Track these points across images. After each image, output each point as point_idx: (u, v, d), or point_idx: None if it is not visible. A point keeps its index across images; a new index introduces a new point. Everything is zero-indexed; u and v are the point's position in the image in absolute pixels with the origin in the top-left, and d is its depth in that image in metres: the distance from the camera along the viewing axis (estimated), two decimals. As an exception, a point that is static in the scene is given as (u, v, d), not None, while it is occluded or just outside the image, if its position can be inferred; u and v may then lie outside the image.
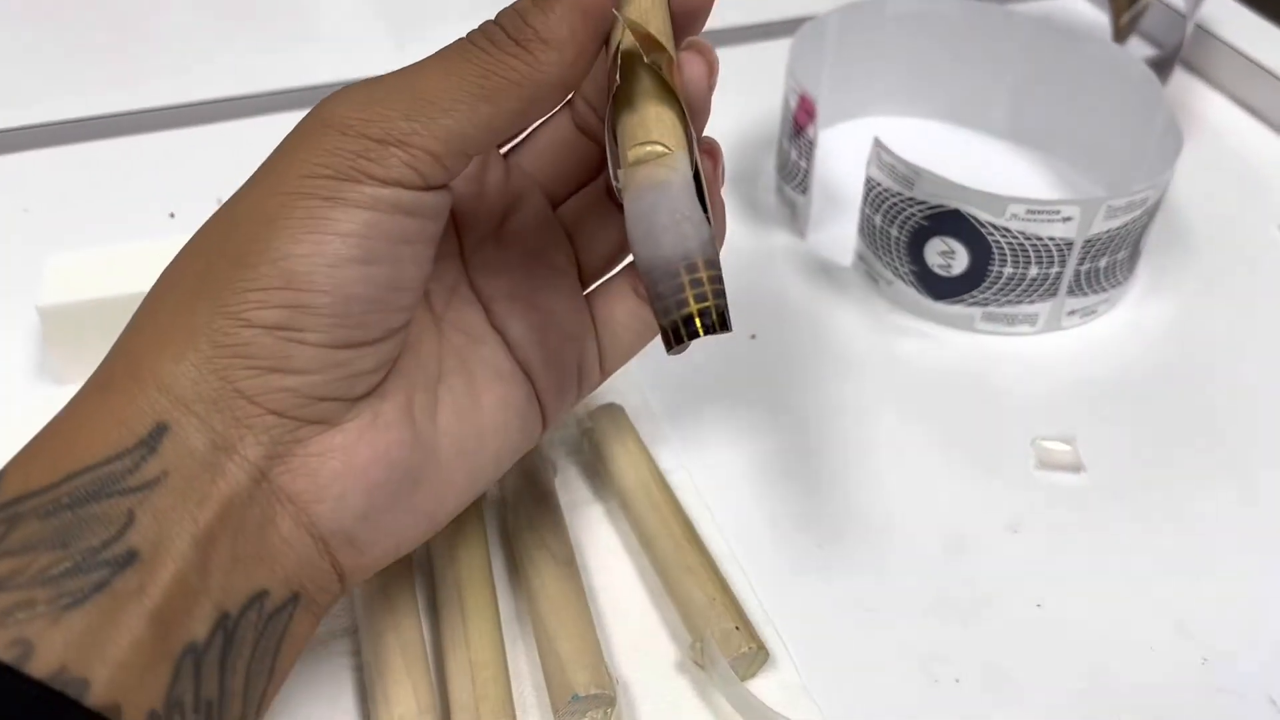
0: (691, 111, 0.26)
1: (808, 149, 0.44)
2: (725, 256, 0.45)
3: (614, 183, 0.26)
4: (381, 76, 0.25)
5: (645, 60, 0.25)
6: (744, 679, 0.31)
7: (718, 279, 0.24)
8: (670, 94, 0.25)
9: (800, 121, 0.45)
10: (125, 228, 0.44)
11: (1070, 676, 0.32)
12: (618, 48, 0.25)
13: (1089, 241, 0.40)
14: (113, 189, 0.48)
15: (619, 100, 0.25)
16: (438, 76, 0.25)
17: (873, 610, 0.34)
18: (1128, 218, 0.40)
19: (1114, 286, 0.43)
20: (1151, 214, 0.42)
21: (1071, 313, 0.43)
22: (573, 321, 0.30)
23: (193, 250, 0.25)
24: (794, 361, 0.42)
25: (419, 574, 0.33)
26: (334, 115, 0.24)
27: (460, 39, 0.25)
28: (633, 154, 0.24)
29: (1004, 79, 0.51)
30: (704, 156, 0.28)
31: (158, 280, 0.25)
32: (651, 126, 0.25)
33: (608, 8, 0.25)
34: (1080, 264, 0.41)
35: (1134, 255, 0.43)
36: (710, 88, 0.27)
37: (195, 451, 0.23)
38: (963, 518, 0.36)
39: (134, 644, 0.21)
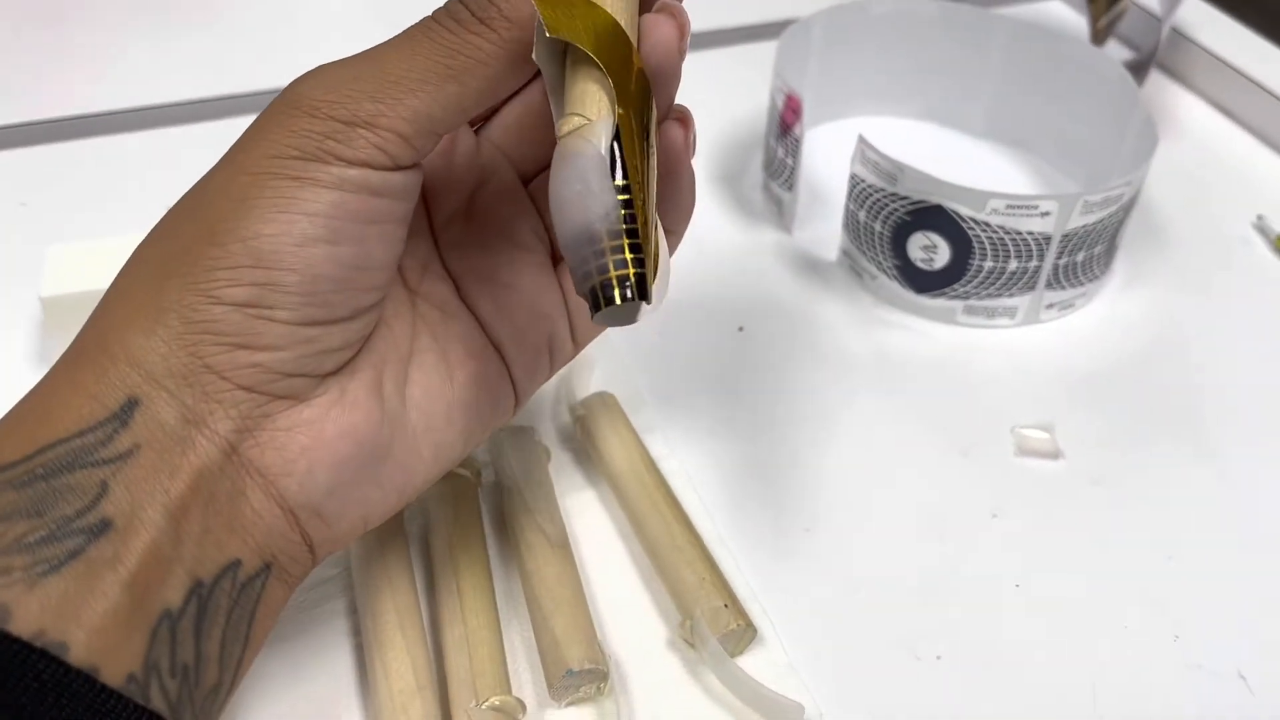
0: (660, 76, 0.26)
1: (794, 147, 0.46)
2: (714, 252, 0.47)
3: None
4: (349, 58, 0.26)
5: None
6: (732, 656, 0.32)
7: (622, 249, 0.23)
8: (596, 64, 0.24)
9: (787, 120, 0.46)
10: (123, 223, 0.45)
11: (1046, 653, 0.33)
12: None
13: (1066, 236, 0.41)
14: (110, 185, 0.49)
15: (569, 68, 0.25)
16: (403, 57, 0.25)
17: (857, 590, 0.35)
18: (1104, 213, 0.41)
19: (1091, 280, 0.44)
20: (1127, 210, 0.43)
21: (1050, 306, 0.44)
22: (543, 298, 0.31)
23: (163, 229, 0.26)
24: (781, 353, 0.43)
25: (417, 555, 0.34)
26: (302, 97, 0.25)
27: (425, 18, 0.26)
28: (564, 126, 0.24)
29: (985, 79, 0.52)
30: (675, 124, 0.28)
31: (127, 261, 0.26)
32: (577, 98, 0.24)
33: None
34: (1058, 258, 0.42)
35: (1110, 250, 0.44)
36: (681, 51, 0.27)
37: (166, 425, 0.24)
38: (945, 502, 0.37)
39: (110, 609, 0.22)
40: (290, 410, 0.25)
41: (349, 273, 0.25)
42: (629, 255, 0.23)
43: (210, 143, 0.27)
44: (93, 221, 0.46)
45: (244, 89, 0.53)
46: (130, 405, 0.23)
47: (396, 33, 0.26)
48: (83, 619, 0.21)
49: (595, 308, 0.23)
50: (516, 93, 0.32)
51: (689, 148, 0.29)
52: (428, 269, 0.30)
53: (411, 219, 0.27)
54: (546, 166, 0.32)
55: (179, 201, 0.26)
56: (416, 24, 0.26)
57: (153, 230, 0.26)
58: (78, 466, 0.23)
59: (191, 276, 0.24)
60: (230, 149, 0.26)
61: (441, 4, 0.26)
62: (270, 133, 0.25)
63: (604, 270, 0.23)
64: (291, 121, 0.25)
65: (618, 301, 0.23)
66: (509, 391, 0.31)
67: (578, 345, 0.32)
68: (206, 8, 0.60)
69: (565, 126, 0.24)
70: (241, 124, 0.26)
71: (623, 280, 0.23)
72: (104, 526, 0.22)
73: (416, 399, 0.28)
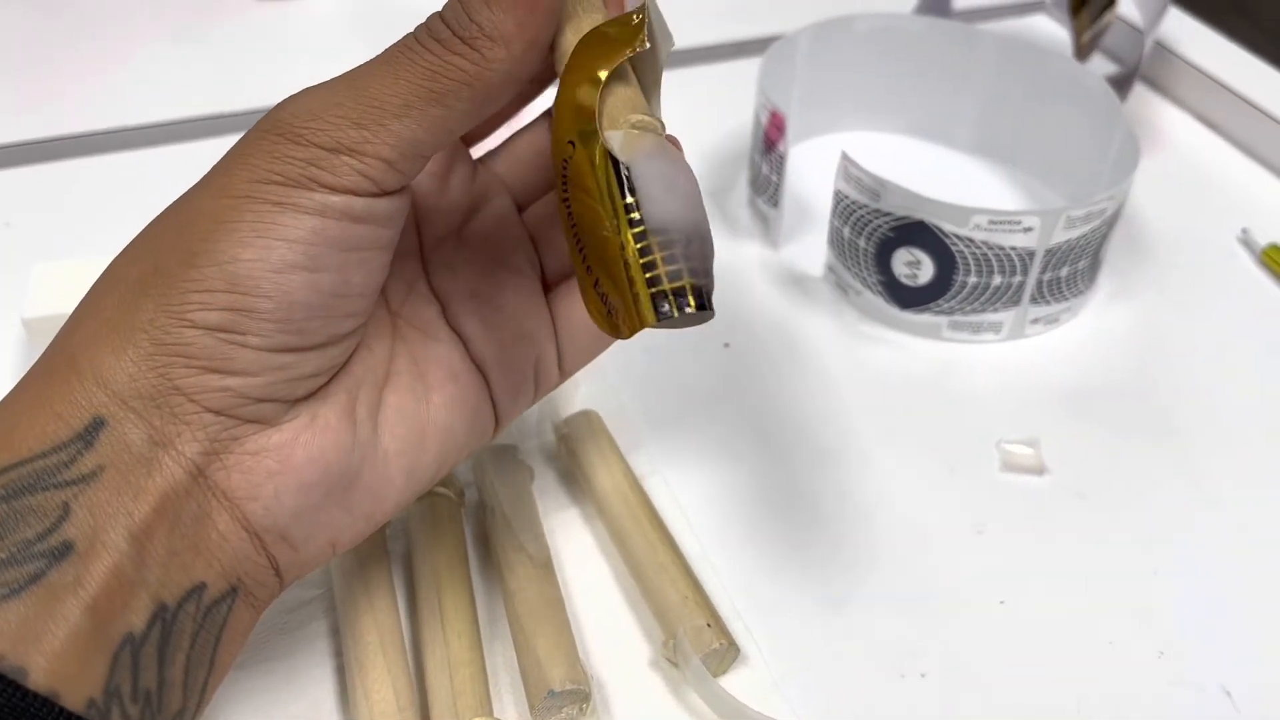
0: None
1: (778, 164, 0.46)
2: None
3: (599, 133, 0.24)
4: (331, 81, 0.25)
5: (647, 44, 0.24)
6: (716, 675, 0.32)
7: (712, 256, 0.23)
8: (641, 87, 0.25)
9: (771, 137, 0.46)
10: (108, 244, 0.45)
11: (1032, 670, 0.33)
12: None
13: (1050, 251, 0.41)
14: (96, 205, 0.49)
15: (616, 74, 0.25)
16: (386, 80, 0.24)
17: (842, 608, 0.34)
18: (1087, 228, 0.41)
19: (1076, 295, 0.44)
20: (1110, 224, 0.43)
21: (1035, 320, 0.44)
22: (531, 322, 0.31)
23: (137, 248, 0.26)
24: (766, 369, 0.43)
25: (399, 575, 0.34)
26: (285, 123, 0.25)
27: (406, 37, 0.25)
28: (636, 119, 0.24)
29: (970, 95, 0.52)
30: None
31: (100, 277, 0.26)
32: (642, 106, 0.24)
33: (555, 1, 0.25)
34: (1042, 273, 0.42)
35: (1095, 265, 0.44)
36: None
37: (132, 446, 0.23)
38: (930, 519, 0.37)
39: (71, 634, 0.22)
40: (259, 434, 0.25)
41: (327, 300, 0.25)
42: (706, 264, 0.23)
43: (198, 163, 0.26)
44: (78, 242, 0.46)
45: (232, 109, 0.53)
46: (96, 425, 0.23)
47: (381, 50, 0.26)
48: (43, 644, 0.21)
49: (679, 308, 0.22)
50: (527, 126, 0.32)
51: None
52: (413, 289, 0.30)
53: (400, 241, 0.27)
54: (542, 196, 0.32)
55: (156, 220, 0.26)
56: (397, 44, 0.25)
57: (128, 247, 0.26)
58: (40, 488, 0.22)
59: (166, 298, 0.24)
60: (211, 171, 0.26)
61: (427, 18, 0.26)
62: (253, 157, 0.25)
63: (697, 273, 0.23)
64: (274, 147, 0.25)
65: (690, 308, 0.22)
66: (488, 414, 0.30)
67: (564, 373, 0.32)
68: (192, 29, 0.61)
69: (641, 121, 0.24)
70: (229, 144, 0.26)
71: (697, 289, 0.23)
72: (65, 550, 0.22)
73: (390, 423, 0.28)
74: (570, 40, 0.26)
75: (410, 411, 0.28)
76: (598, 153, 0.24)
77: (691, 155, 0.52)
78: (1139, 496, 0.38)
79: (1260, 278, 0.48)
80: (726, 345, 0.44)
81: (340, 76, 0.25)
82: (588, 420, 0.38)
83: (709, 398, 0.41)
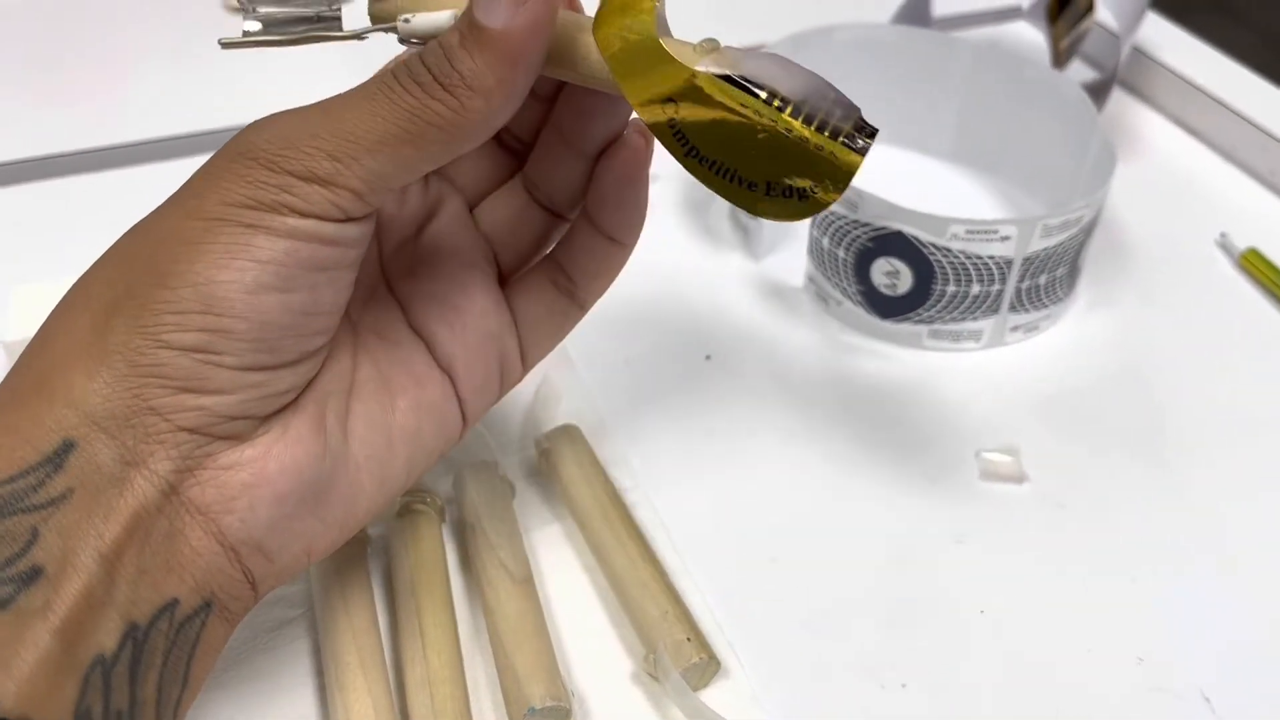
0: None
1: (758, 174, 0.46)
2: (681, 280, 0.47)
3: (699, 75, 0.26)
4: (304, 109, 0.26)
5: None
6: (696, 689, 0.32)
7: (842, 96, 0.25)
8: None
9: (750, 148, 0.46)
10: (86, 265, 0.45)
11: (1011, 679, 0.33)
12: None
13: (1028, 259, 0.41)
14: (73, 226, 0.49)
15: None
16: (362, 115, 0.25)
17: (823, 620, 0.35)
18: (1064, 236, 0.42)
19: (1055, 302, 0.45)
20: (1088, 232, 0.43)
21: (1015, 328, 0.44)
22: (492, 319, 0.31)
23: (106, 269, 0.26)
24: (748, 381, 0.43)
25: (380, 593, 0.34)
26: (257, 147, 0.25)
27: (385, 73, 0.25)
28: (701, 44, 0.25)
29: (948, 103, 0.53)
30: (637, 135, 0.30)
31: (67, 296, 0.26)
32: (684, 43, 0.26)
33: (540, 52, 0.25)
34: (1020, 281, 0.42)
35: (1073, 272, 0.45)
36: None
37: (102, 467, 0.24)
38: (910, 529, 0.37)
39: (40, 659, 0.22)
40: (232, 449, 0.26)
41: (299, 319, 0.25)
42: (849, 100, 0.25)
43: (179, 181, 0.27)
44: (57, 263, 0.46)
45: (214, 126, 0.53)
46: (65, 448, 0.23)
47: (355, 78, 0.26)
48: (12, 670, 0.21)
49: (868, 135, 0.25)
50: None
51: (649, 160, 0.30)
52: (373, 295, 0.30)
53: (360, 264, 0.27)
54: (491, 191, 0.32)
55: (123, 240, 0.26)
56: (376, 79, 0.25)
57: (94, 267, 0.26)
58: (8, 513, 0.23)
59: (140, 319, 0.24)
60: (179, 193, 0.26)
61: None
62: (224, 180, 0.25)
63: (850, 110, 0.25)
64: (247, 171, 0.25)
65: (872, 136, 0.25)
66: (455, 414, 0.31)
67: (527, 366, 0.32)
68: (176, 47, 0.61)
69: (701, 47, 0.25)
70: (168, 167, 0.26)
71: (859, 113, 0.25)
72: (34, 574, 0.22)
73: (359, 431, 0.28)
74: (588, 43, 0.26)
75: (378, 418, 0.29)
76: (711, 84, 0.25)
77: (671, 167, 0.53)
78: (1118, 504, 0.39)
79: (1239, 282, 0.48)
80: (708, 357, 0.44)
81: (315, 105, 0.26)
82: (569, 435, 0.38)
83: (691, 410, 0.41)
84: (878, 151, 0.54)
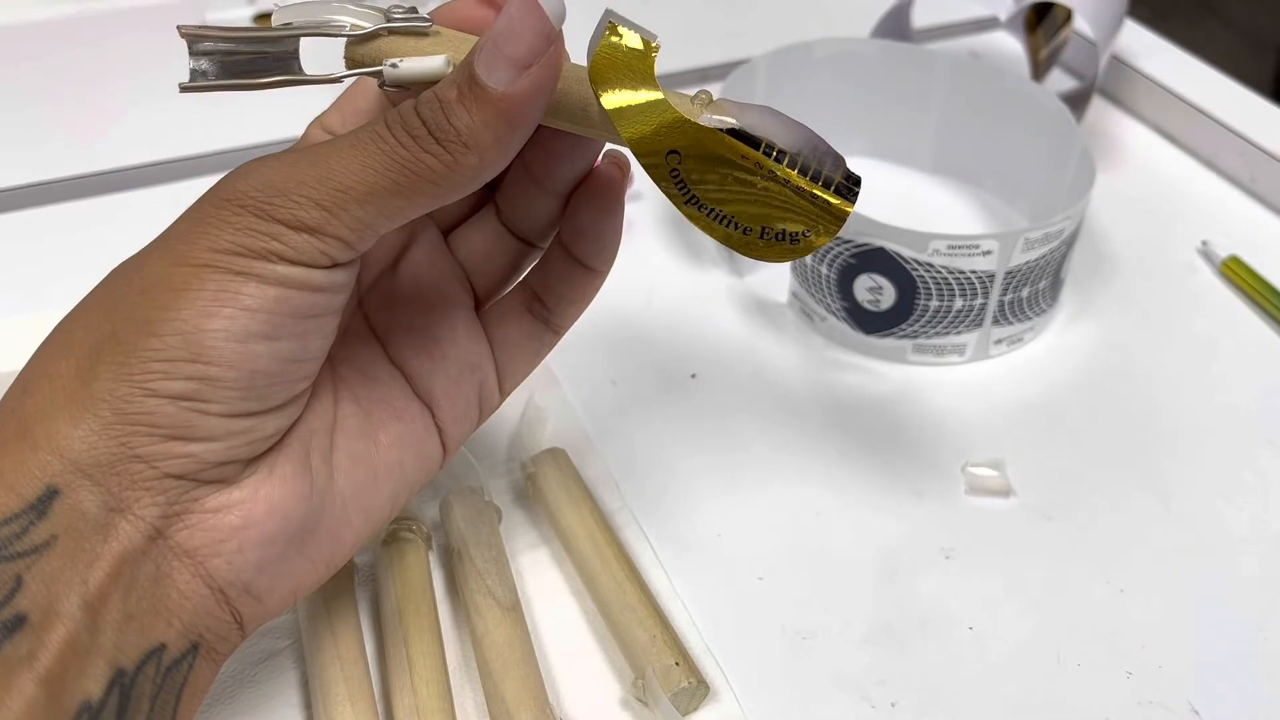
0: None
1: (740, 192, 0.46)
2: (666, 298, 0.47)
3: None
4: (292, 154, 0.25)
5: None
6: (686, 713, 0.32)
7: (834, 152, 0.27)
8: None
9: (732, 165, 0.46)
10: (62, 299, 0.45)
11: (1001, 694, 0.33)
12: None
13: (1010, 273, 0.42)
14: (47, 259, 0.48)
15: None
16: (354, 166, 0.25)
17: (811, 639, 0.35)
18: (1045, 249, 0.42)
19: (1038, 314, 0.45)
20: (1069, 244, 0.44)
21: (998, 341, 0.44)
22: (470, 350, 0.31)
23: (90, 313, 0.25)
24: (734, 398, 0.43)
25: (367, 621, 0.34)
26: (244, 194, 0.25)
27: (378, 123, 0.25)
28: (698, 96, 0.27)
29: (929, 116, 0.53)
30: (613, 166, 0.30)
31: (48, 340, 0.26)
32: (681, 95, 0.27)
33: (537, 116, 0.25)
34: (1003, 295, 0.42)
35: (1055, 284, 0.45)
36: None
37: (87, 514, 0.24)
38: (897, 545, 0.38)
39: (26, 708, 0.22)
40: (220, 492, 0.25)
41: (286, 366, 0.25)
42: (835, 151, 0.27)
43: (157, 210, 0.26)
44: (32, 296, 0.46)
45: (195, 151, 0.53)
46: (50, 495, 0.23)
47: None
48: None
49: (857, 185, 0.27)
50: None
51: (624, 191, 0.30)
52: (349, 331, 0.30)
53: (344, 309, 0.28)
54: (465, 220, 0.32)
55: (106, 283, 0.26)
56: (369, 129, 0.25)
57: (77, 310, 0.26)
58: None
59: (126, 366, 0.24)
60: (165, 237, 0.26)
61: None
62: (213, 226, 0.25)
63: (840, 163, 0.27)
64: (235, 218, 0.25)
65: (859, 182, 0.27)
66: (436, 445, 0.31)
67: (504, 393, 0.32)
68: (145, 75, 0.61)
69: (698, 103, 0.27)
70: (191, 186, 0.26)
71: (846, 167, 0.27)
72: (18, 623, 0.22)
73: (344, 467, 0.28)
74: (586, 95, 0.27)
75: (361, 453, 0.29)
76: (714, 138, 0.26)
77: (654, 184, 0.53)
78: (1105, 515, 0.39)
79: (1221, 290, 0.49)
80: (693, 376, 0.44)
81: (302, 152, 0.25)
82: (554, 458, 0.38)
83: (677, 430, 0.41)
84: (860, 166, 0.54)
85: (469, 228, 0.32)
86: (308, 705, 0.32)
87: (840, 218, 0.27)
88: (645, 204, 0.52)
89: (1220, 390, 0.44)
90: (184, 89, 0.27)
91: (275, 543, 0.26)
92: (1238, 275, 0.48)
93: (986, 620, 0.35)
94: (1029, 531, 0.38)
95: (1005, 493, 0.39)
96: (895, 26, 0.57)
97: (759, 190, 0.27)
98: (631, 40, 0.26)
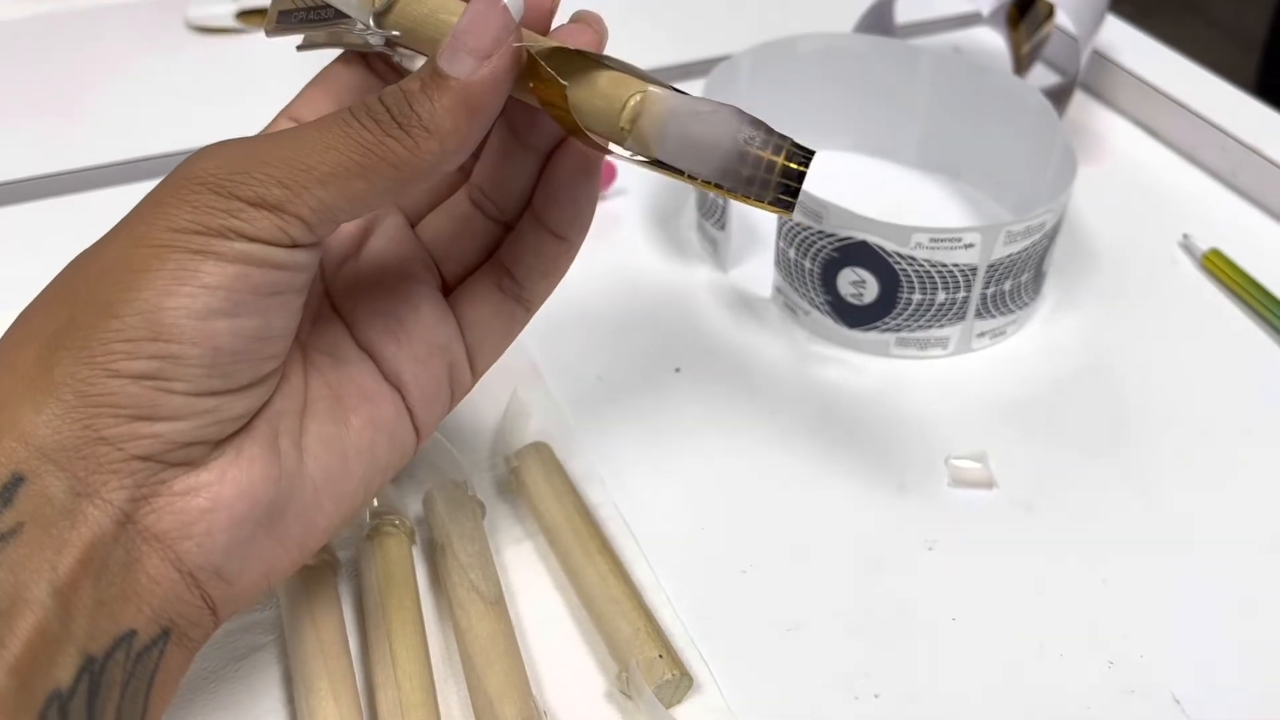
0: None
1: (723, 186, 0.46)
2: (650, 293, 0.47)
3: (622, 154, 0.27)
4: (256, 137, 0.26)
5: (563, 83, 0.26)
6: (669, 705, 0.32)
7: (769, 135, 0.25)
8: (600, 62, 0.27)
9: (715, 160, 0.46)
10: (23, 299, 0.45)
11: (984, 685, 0.33)
12: (535, 64, 0.26)
13: (992, 266, 0.42)
14: (9, 257, 0.48)
15: (575, 110, 0.26)
16: (317, 148, 0.25)
17: (795, 631, 0.35)
18: (1027, 242, 0.42)
19: (1021, 308, 0.45)
20: (1051, 237, 0.44)
21: (981, 334, 0.44)
22: (440, 329, 0.31)
23: (49, 301, 0.25)
24: (718, 392, 0.43)
25: (350, 616, 0.34)
26: (207, 173, 0.25)
27: (343, 110, 0.26)
28: (627, 114, 0.26)
29: (913, 110, 0.53)
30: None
31: (10, 329, 0.26)
32: (618, 87, 0.26)
33: (498, 104, 0.26)
34: (985, 288, 0.42)
35: (1038, 277, 0.45)
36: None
37: (54, 500, 0.23)
38: (881, 537, 0.38)
39: None
40: (188, 475, 0.25)
41: (250, 344, 0.25)
42: (775, 135, 0.25)
43: (124, 208, 0.26)
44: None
45: (168, 149, 0.53)
46: (15, 482, 0.23)
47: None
48: None
49: (792, 198, 0.25)
50: None
51: (601, 155, 0.30)
52: (319, 316, 0.30)
53: (309, 288, 0.27)
54: (434, 207, 0.33)
55: (66, 271, 0.26)
56: (333, 115, 0.26)
57: (37, 300, 0.26)
58: None
59: (87, 350, 0.24)
60: (125, 220, 0.26)
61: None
62: (171, 206, 0.25)
63: (771, 168, 0.25)
64: (194, 197, 0.25)
65: (805, 171, 0.25)
66: (408, 428, 0.31)
67: (476, 374, 0.32)
68: (123, 71, 0.60)
69: (630, 110, 0.26)
70: (126, 191, 0.26)
71: (789, 153, 0.25)
72: None
73: (314, 450, 0.28)
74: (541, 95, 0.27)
75: (332, 436, 0.29)
76: (641, 162, 0.26)
77: (641, 179, 0.53)
78: (1088, 507, 0.39)
79: (1202, 283, 0.49)
80: (677, 370, 0.44)
81: (265, 135, 0.26)
82: (538, 452, 0.38)
83: (661, 423, 0.41)
84: (844, 160, 0.55)
85: (437, 213, 0.32)
86: (290, 700, 0.32)
87: (783, 213, 0.26)
88: (630, 199, 0.52)
89: (1202, 382, 0.44)
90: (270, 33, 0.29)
91: (244, 525, 0.26)
92: (1219, 268, 0.49)
93: (969, 611, 0.35)
94: (1011, 523, 0.38)
95: (988, 485, 0.39)
96: (878, 21, 0.57)
97: (711, 187, 0.26)
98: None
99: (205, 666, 0.32)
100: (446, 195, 0.33)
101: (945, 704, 0.33)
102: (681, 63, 0.61)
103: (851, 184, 0.53)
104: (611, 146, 0.27)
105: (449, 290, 0.32)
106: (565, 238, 0.31)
